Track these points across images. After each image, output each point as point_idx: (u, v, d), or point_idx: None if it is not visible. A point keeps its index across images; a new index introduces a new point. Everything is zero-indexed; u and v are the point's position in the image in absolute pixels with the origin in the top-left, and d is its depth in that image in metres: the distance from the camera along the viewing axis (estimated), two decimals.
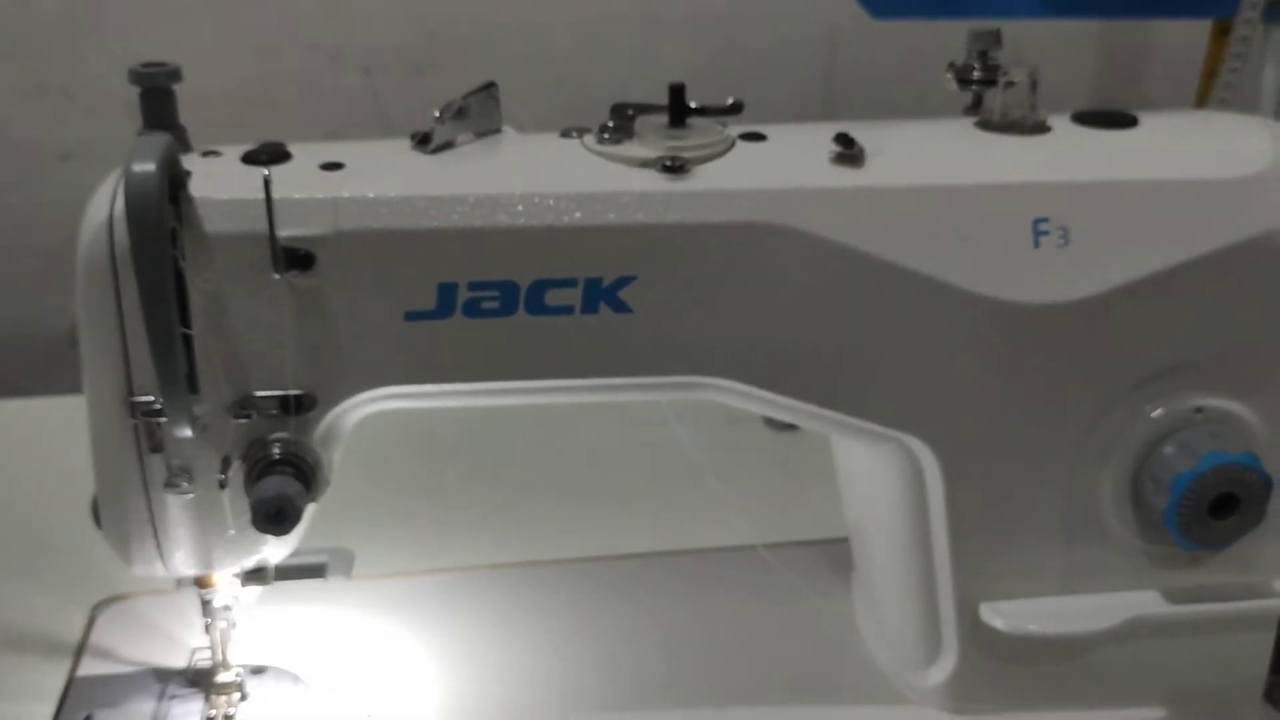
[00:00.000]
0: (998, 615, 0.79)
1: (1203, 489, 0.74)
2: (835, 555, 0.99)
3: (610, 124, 0.75)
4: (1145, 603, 0.80)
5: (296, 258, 0.69)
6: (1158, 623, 0.80)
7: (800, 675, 0.88)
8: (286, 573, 0.97)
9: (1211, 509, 0.75)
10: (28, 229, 1.51)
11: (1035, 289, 0.74)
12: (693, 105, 0.75)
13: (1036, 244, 0.74)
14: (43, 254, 1.49)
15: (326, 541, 1.00)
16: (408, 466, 1.17)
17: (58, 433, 1.15)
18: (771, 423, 1.23)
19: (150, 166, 0.64)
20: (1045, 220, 0.74)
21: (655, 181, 0.72)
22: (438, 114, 0.74)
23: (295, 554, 0.99)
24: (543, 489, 1.13)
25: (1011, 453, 0.78)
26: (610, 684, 0.87)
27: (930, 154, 0.77)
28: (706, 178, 0.73)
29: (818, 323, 0.74)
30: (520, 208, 0.71)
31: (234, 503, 0.74)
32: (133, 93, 0.71)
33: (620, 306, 0.72)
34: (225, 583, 0.82)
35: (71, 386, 1.32)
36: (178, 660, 0.89)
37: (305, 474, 0.72)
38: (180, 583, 0.97)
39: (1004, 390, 0.76)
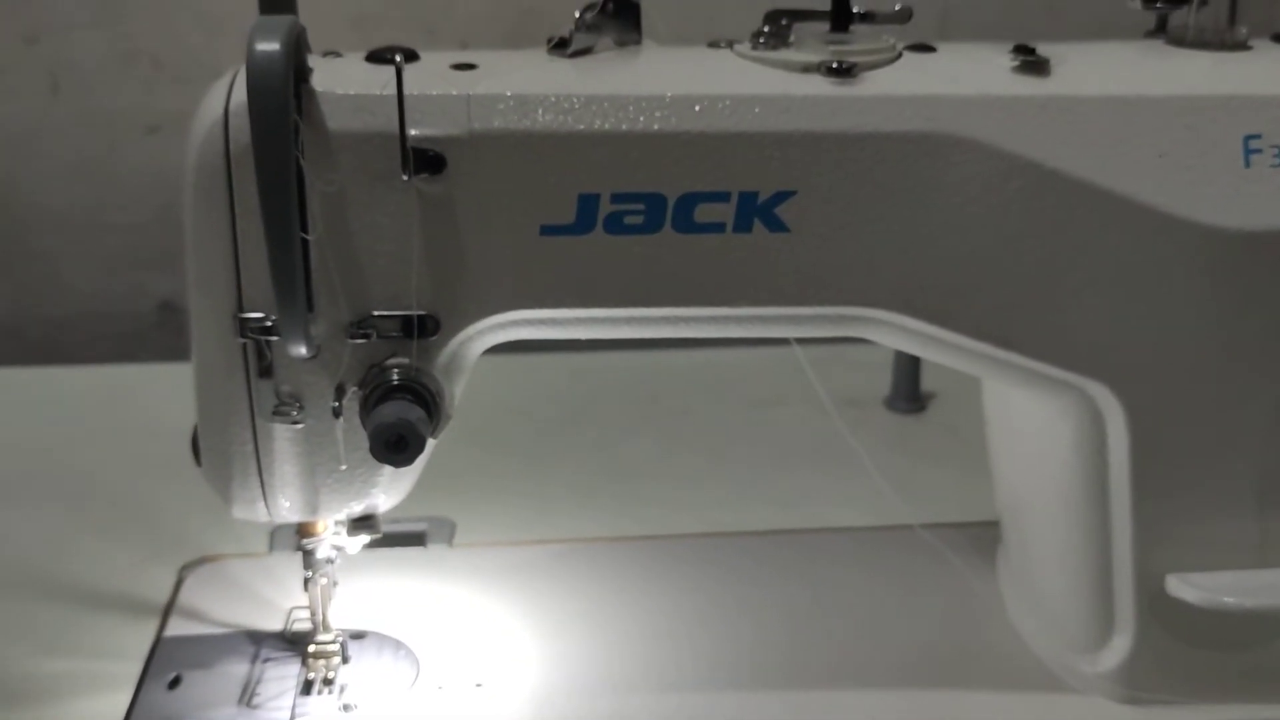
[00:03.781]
0: (1189, 587, 0.71)
1: None
2: (974, 537, 0.91)
3: (765, 30, 0.69)
4: None
5: (426, 160, 0.63)
6: None
7: (946, 659, 0.80)
8: (386, 540, 0.91)
9: None
10: (113, 204, 1.47)
11: (1245, 214, 0.66)
12: (856, 11, 0.69)
13: (1247, 163, 0.66)
14: (127, 229, 1.45)
15: (426, 510, 0.95)
16: (513, 433, 1.11)
17: (148, 398, 1.11)
18: (893, 404, 1.15)
19: (275, 46, 0.58)
20: (1258, 137, 0.66)
21: (819, 86, 0.66)
22: (578, 14, 0.67)
23: (394, 520, 0.93)
24: (656, 463, 1.06)
25: (1209, 403, 0.70)
26: (736, 664, 0.79)
27: (1122, 66, 0.69)
28: (877, 83, 0.66)
29: (997, 249, 0.67)
30: (670, 111, 0.64)
31: (348, 435, 0.68)
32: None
33: (777, 225, 0.66)
34: (329, 532, 0.75)
35: (158, 358, 1.28)
36: (272, 622, 0.82)
37: (427, 402, 0.65)
38: (274, 544, 0.91)
39: (1205, 330, 0.68)
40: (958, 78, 0.67)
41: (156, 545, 0.91)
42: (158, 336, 1.46)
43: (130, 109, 1.46)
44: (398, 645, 0.80)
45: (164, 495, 0.95)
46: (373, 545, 0.87)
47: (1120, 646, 0.75)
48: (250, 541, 0.91)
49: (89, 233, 1.48)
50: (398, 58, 0.61)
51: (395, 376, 0.66)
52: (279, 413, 0.67)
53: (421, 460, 0.72)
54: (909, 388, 1.14)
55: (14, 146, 1.42)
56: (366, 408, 0.66)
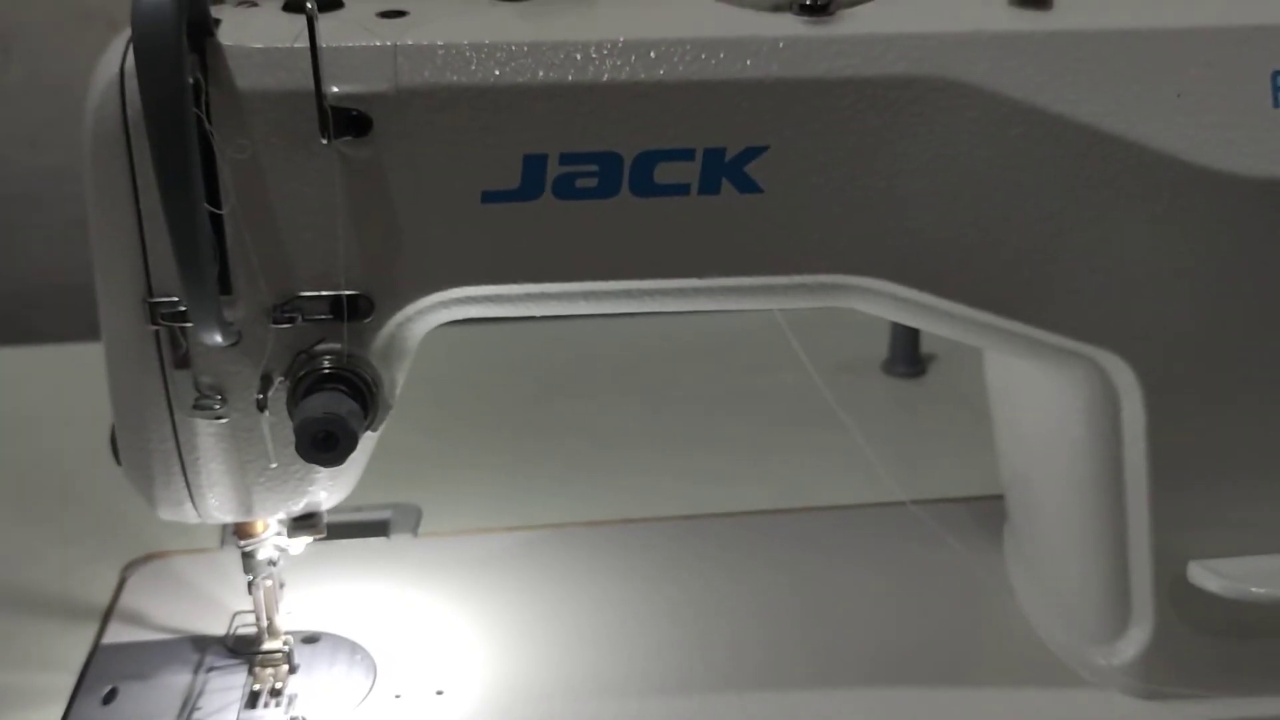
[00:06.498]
0: (1212, 575, 0.64)
1: None
2: (979, 513, 0.85)
3: None
4: None
5: (349, 120, 0.56)
6: None
7: (947, 650, 0.74)
8: (346, 530, 0.86)
9: None
10: (73, 172, 1.40)
11: (1274, 160, 0.60)
12: None
13: (1276, 103, 0.60)
14: (82, 201, 1.38)
15: (390, 496, 0.89)
16: (482, 411, 1.04)
17: (90, 380, 1.04)
18: (891, 369, 1.08)
19: None
20: None
21: (792, 26, 0.59)
22: None
23: (356, 509, 0.87)
24: (636, 440, 0.99)
25: (1233, 375, 0.63)
26: (718, 662, 0.73)
27: None
28: (856, 22, 0.59)
29: (995, 205, 0.60)
30: (623, 59, 0.58)
31: (276, 430, 0.61)
32: None
33: (747, 185, 0.59)
34: (270, 532, 0.68)
35: None
36: (219, 627, 0.76)
37: (361, 392, 0.59)
38: (225, 539, 0.85)
39: (1228, 293, 0.62)
40: (948, 13, 0.60)
41: (101, 541, 0.86)
42: None
43: (87, 73, 1.38)
44: (354, 649, 0.74)
45: (115, 485, 0.89)
46: (332, 536, 0.82)
47: (1137, 638, 0.69)
48: (201, 536, 0.85)
49: (49, 204, 1.41)
50: (309, 4, 0.54)
51: (325, 364, 0.59)
52: (199, 406, 0.61)
53: (363, 454, 0.66)
54: (907, 350, 1.07)
55: None
56: (294, 399, 0.59)
